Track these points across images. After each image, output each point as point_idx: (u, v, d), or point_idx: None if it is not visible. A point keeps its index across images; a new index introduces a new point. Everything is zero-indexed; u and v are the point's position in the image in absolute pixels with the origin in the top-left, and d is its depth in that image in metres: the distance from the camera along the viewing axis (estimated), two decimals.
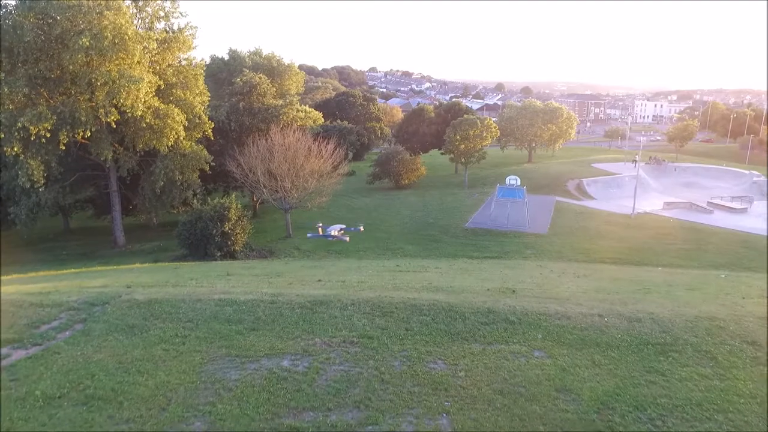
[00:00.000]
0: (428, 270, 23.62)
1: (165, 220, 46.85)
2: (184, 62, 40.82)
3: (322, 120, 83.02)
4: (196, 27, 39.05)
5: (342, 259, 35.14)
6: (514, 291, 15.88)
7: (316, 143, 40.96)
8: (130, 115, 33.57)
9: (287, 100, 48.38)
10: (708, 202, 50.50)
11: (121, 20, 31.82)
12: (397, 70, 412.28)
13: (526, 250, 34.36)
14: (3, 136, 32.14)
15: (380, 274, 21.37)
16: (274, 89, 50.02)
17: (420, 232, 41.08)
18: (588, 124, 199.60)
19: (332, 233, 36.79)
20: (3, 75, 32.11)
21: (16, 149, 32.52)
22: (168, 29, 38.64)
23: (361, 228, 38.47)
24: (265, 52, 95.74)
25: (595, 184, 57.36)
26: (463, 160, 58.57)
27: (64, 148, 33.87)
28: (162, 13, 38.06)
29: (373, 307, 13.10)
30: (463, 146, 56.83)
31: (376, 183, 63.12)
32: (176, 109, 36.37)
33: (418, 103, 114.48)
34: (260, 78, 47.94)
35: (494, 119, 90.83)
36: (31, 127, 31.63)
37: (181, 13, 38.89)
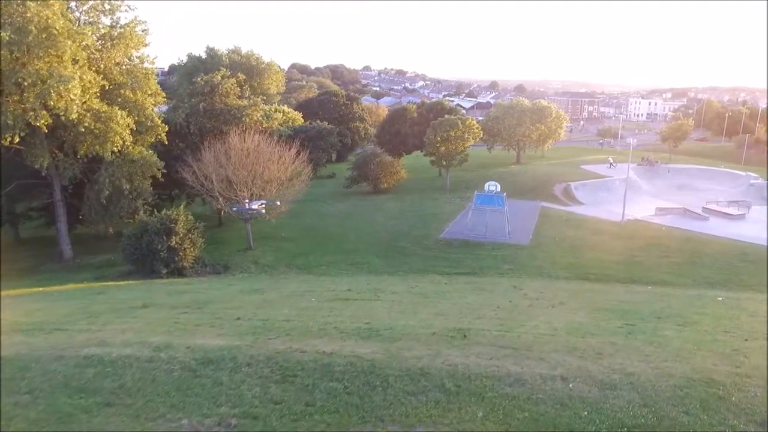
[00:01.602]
0: (380, 296, 20.38)
1: (122, 229, 43.66)
2: (136, 60, 37.36)
3: (302, 120, 79.91)
4: (145, 21, 35.71)
5: (300, 274, 31.95)
6: (465, 335, 12.66)
7: (280, 148, 37.67)
8: (63, 118, 30.25)
9: (251, 101, 44.99)
10: (703, 207, 47.39)
11: (48, 12, 28.42)
12: (391, 69, 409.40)
13: (503, 265, 31.15)
14: None
15: (320, 305, 18.14)
16: (239, 89, 46.56)
17: (391, 243, 37.83)
18: (581, 122, 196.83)
19: (253, 207, 34.17)
20: None
21: None
22: (114, 24, 35.28)
23: (278, 203, 35.88)
24: (244, 50, 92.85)
25: (583, 187, 54.18)
26: (444, 162, 55.29)
27: None
28: (106, 6, 34.71)
29: (273, 369, 9.98)
30: (443, 148, 53.56)
31: (353, 187, 59.83)
32: (120, 112, 33.01)
33: (409, 102, 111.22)
34: (222, 77, 44.54)
35: (482, 119, 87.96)
36: None
37: (128, 7, 35.57)
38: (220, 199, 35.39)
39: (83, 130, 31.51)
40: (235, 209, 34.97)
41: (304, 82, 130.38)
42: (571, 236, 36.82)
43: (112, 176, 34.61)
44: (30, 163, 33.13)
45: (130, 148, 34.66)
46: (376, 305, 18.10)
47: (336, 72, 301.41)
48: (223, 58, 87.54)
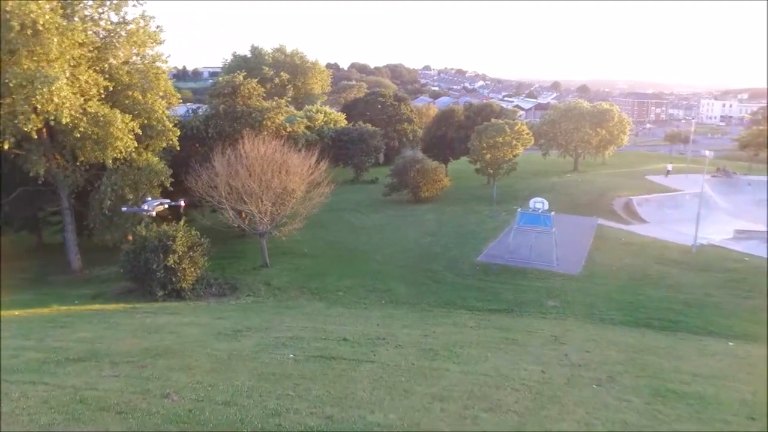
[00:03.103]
0: (377, 354, 16.06)
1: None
2: (148, 59, 34.37)
3: (345, 122, 76.37)
4: (153, 17, 32.65)
5: (311, 301, 28.08)
6: None
7: (298, 155, 33.93)
8: (53, 122, 27.50)
9: (275, 103, 41.42)
10: None
11: (32, 6, 25.58)
12: (451, 69, 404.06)
13: (547, 301, 26.25)
14: None
15: (290, 371, 14.05)
16: (263, 90, 43.07)
17: (421, 266, 33.43)
18: (647, 125, 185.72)
19: (145, 207, 29.95)
20: None
21: None
22: (121, 21, 32.39)
23: (182, 202, 31.71)
24: (290, 49, 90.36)
25: (647, 203, 47.91)
26: (490, 171, 50.20)
27: None
28: (113, 1, 31.82)
29: None
30: (489, 155, 48.51)
31: (392, 195, 55.50)
32: (122, 115, 30.03)
33: (466, 102, 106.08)
34: (244, 76, 41.20)
35: (538, 120, 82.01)
36: None
37: (137, 2, 32.60)
38: (230, 212, 31.88)
39: (78, 135, 28.67)
40: (124, 209, 31.16)
41: (354, 82, 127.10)
42: (632, 265, 31.35)
43: (115, 185, 31.78)
44: (26, 170, 30.64)
45: (134, 154, 31.66)
46: (362, 374, 13.83)
47: (395, 71, 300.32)
48: (267, 57, 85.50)
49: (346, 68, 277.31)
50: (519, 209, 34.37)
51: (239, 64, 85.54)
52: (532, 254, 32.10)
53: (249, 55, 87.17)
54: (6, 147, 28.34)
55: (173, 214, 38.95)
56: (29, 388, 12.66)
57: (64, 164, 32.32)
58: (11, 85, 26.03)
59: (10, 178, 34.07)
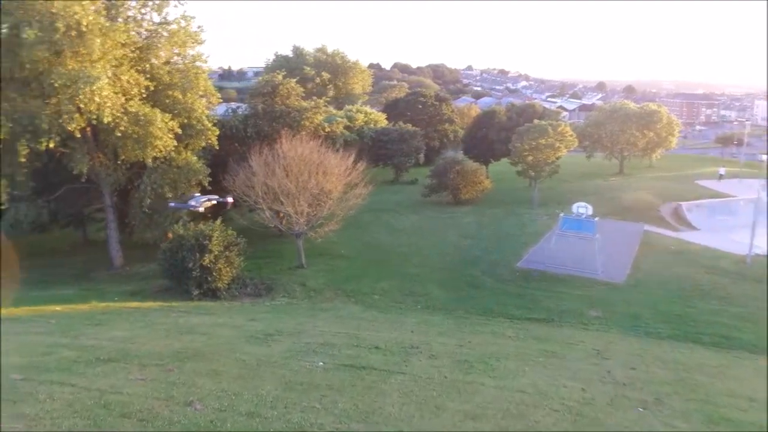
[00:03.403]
0: (409, 364, 15.48)
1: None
2: (188, 58, 34.65)
3: (385, 122, 75.92)
4: (194, 17, 32.90)
5: (346, 304, 27.71)
6: None
7: (336, 156, 33.61)
8: (95, 121, 27.93)
9: (314, 103, 41.24)
10: None
11: (76, 8, 25.95)
12: (494, 69, 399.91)
13: (589, 311, 25.18)
14: None
15: (318, 380, 13.63)
16: (302, 90, 42.95)
17: (460, 270, 32.68)
18: (698, 127, 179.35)
19: (192, 203, 29.14)
20: None
21: None
22: (163, 21, 32.72)
23: (229, 199, 30.67)
24: (331, 49, 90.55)
25: (698, 209, 45.80)
26: (532, 173, 48.88)
27: (24, 160, 28.66)
28: (156, 2, 32.15)
29: None
30: (531, 157, 47.24)
31: (431, 196, 54.76)
32: (162, 115, 30.29)
33: (508, 103, 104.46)
34: (283, 76, 41.15)
35: (582, 121, 79.87)
36: None
37: (178, 2, 32.90)
38: (267, 212, 31.79)
39: (119, 134, 29.04)
40: (171, 205, 30.94)
41: (395, 82, 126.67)
42: (680, 275, 29.86)
43: (154, 183, 32.10)
44: (70, 168, 31.21)
45: (174, 153, 31.90)
46: (393, 387, 13.27)
47: (437, 71, 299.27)
48: (308, 57, 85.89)
49: (388, 68, 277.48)
50: (561, 214, 33.24)
51: (281, 63, 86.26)
52: (574, 261, 30.97)
53: (291, 55, 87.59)
54: (51, 145, 28.85)
55: (212, 212, 39.36)
56: (56, 390, 12.58)
57: (107, 163, 32.82)
58: (56, 85, 26.48)
59: (56, 176, 34.78)
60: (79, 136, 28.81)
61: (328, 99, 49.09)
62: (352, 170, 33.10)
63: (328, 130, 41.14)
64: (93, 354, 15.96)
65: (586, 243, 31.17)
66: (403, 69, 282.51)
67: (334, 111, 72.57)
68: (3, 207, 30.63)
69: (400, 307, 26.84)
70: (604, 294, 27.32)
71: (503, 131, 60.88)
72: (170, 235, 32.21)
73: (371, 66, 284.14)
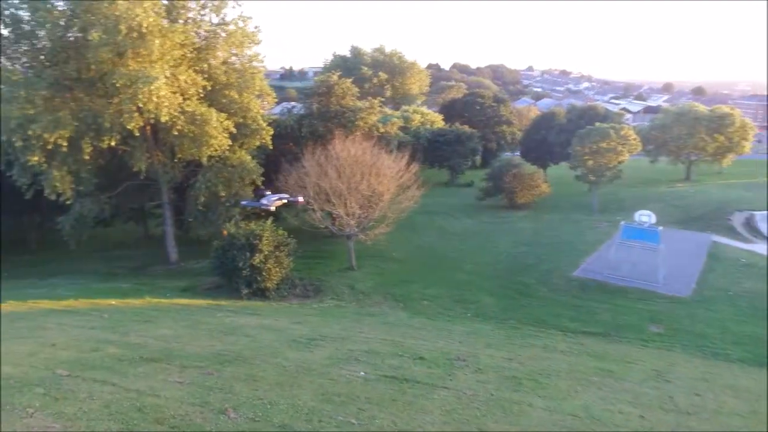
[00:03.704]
0: (454, 378, 14.81)
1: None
2: (245, 59, 35.00)
3: (442, 123, 75.06)
4: (250, 17, 33.16)
5: (393, 309, 27.20)
6: None
7: (389, 158, 33.16)
8: (153, 120, 28.53)
9: (368, 103, 40.93)
10: None
11: (138, 10, 26.51)
12: (555, 69, 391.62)
13: (649, 327, 23.72)
14: (21, 144, 28.45)
15: (356, 392, 13.16)
16: (357, 90, 42.68)
17: (513, 277, 31.62)
18: None
19: (264, 201, 28.89)
20: (23, 77, 28.53)
21: (36, 158, 28.75)
22: (222, 22, 33.16)
23: (300, 198, 30.29)
24: (389, 49, 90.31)
25: None
26: (592, 178, 46.98)
27: (88, 157, 29.62)
28: (214, 3, 32.61)
29: None
30: (591, 161, 45.40)
31: (487, 200, 53.62)
32: (217, 114, 30.66)
33: (569, 104, 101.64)
34: (336, 77, 41.01)
35: (646, 123, 76.46)
36: (45, 135, 27.57)
37: (236, 3, 33.27)
38: (318, 212, 31.65)
39: (175, 133, 29.58)
40: (243, 203, 30.79)
41: (453, 82, 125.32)
42: (753, 291, 27.79)
43: (209, 182, 32.57)
44: (130, 165, 32.06)
45: (227, 152, 32.26)
46: (435, 404, 12.65)
47: (496, 72, 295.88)
48: (366, 57, 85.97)
49: (447, 69, 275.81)
50: (622, 222, 31.61)
51: (339, 63, 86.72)
52: (635, 272, 29.40)
53: (349, 55, 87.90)
54: (113, 144, 29.67)
55: (266, 212, 39.71)
56: (97, 389, 12.61)
57: (165, 161, 33.52)
58: (118, 85, 27.18)
59: (119, 173, 35.80)
60: (138, 134, 29.49)
61: (382, 99, 48.37)
62: (404, 172, 32.54)
63: (382, 130, 40.73)
64: (138, 352, 16.07)
65: (648, 253, 29.52)
66: (462, 69, 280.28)
67: (390, 111, 72.35)
68: (68, 202, 31.68)
69: (448, 315, 26.12)
70: (666, 308, 25.73)
71: (563, 134, 59.05)
72: (225, 232, 32.66)
73: (430, 66, 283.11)
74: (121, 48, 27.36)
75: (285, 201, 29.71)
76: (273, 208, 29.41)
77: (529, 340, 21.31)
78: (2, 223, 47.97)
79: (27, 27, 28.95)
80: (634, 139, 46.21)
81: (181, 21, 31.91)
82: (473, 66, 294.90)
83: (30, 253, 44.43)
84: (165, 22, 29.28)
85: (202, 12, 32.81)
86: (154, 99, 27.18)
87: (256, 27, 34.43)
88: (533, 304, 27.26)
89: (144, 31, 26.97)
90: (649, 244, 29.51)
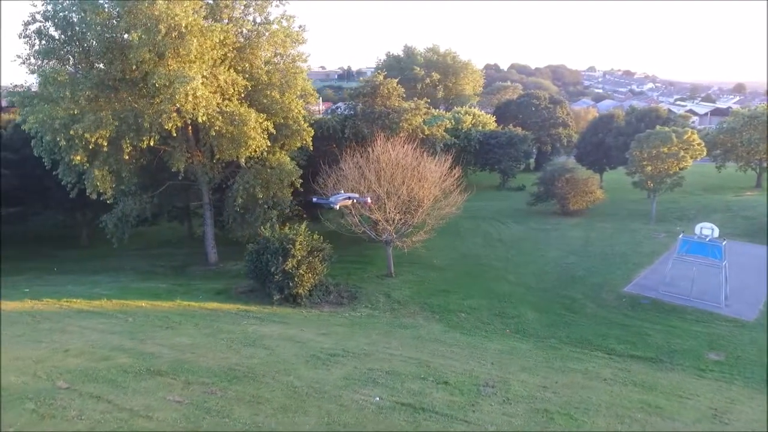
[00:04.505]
0: (479, 407, 13.45)
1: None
2: (288, 58, 34.39)
3: (494, 125, 72.85)
4: (294, 17, 32.47)
5: (428, 321, 25.88)
6: None
7: (431, 162, 31.82)
8: (191, 121, 28.24)
9: (414, 104, 39.61)
10: None
11: (177, 9, 26.18)
12: (618, 70, 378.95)
13: (707, 353, 21.50)
14: (65, 143, 28.73)
15: (369, 418, 12.01)
16: (403, 90, 41.45)
17: (558, 291, 29.71)
18: None
19: (331, 200, 27.80)
20: (68, 78, 28.76)
21: (79, 158, 29.00)
22: (265, 21, 32.65)
23: (368, 199, 28.94)
24: (443, 49, 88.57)
25: None
26: (650, 184, 44.05)
27: (128, 157, 29.67)
28: (258, 2, 32.13)
29: None
30: (650, 168, 42.52)
31: (538, 205, 51.40)
32: (256, 115, 30.11)
33: (630, 106, 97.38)
34: (382, 77, 39.90)
35: (713, 127, 71.92)
36: (87, 135, 27.68)
37: (279, 3, 32.70)
38: (356, 217, 30.66)
39: (213, 134, 29.20)
40: (314, 200, 29.89)
41: (509, 83, 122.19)
42: None
43: (247, 183, 32.08)
44: (170, 165, 31.98)
45: (266, 153, 31.70)
46: None
47: (556, 72, 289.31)
48: (419, 57, 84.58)
49: (505, 69, 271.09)
50: (681, 235, 29.13)
51: (392, 63, 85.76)
52: (693, 289, 27.00)
53: (402, 55, 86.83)
54: (152, 143, 29.59)
55: (309, 213, 39.04)
56: (90, 406, 11.97)
57: (204, 161, 33.30)
58: (157, 85, 26.98)
59: (160, 173, 35.91)
60: (175, 134, 29.29)
61: (428, 100, 46.76)
62: (446, 176, 31.12)
63: (427, 132, 39.35)
64: (147, 363, 15.46)
65: (709, 270, 27.05)
66: (521, 70, 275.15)
67: (439, 112, 70.76)
68: (109, 201, 31.87)
69: (486, 330, 24.58)
70: (728, 333, 23.35)
71: (621, 137, 56.05)
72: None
73: (488, 67, 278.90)
74: (161, 48, 27.14)
75: (354, 201, 28.92)
76: (337, 207, 28.65)
77: (570, 363, 19.61)
78: (50, 219, 49.56)
79: (77, 28, 29.19)
80: (699, 144, 43.02)
81: (225, 20, 31.60)
82: (533, 66, 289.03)
83: (81, 248, 45.36)
84: (207, 22, 28.87)
85: (245, 11, 32.39)
86: (191, 99, 26.81)
87: (300, 26, 33.79)
88: (579, 322, 25.35)
89: (183, 30, 26.64)
90: (712, 261, 27.03)
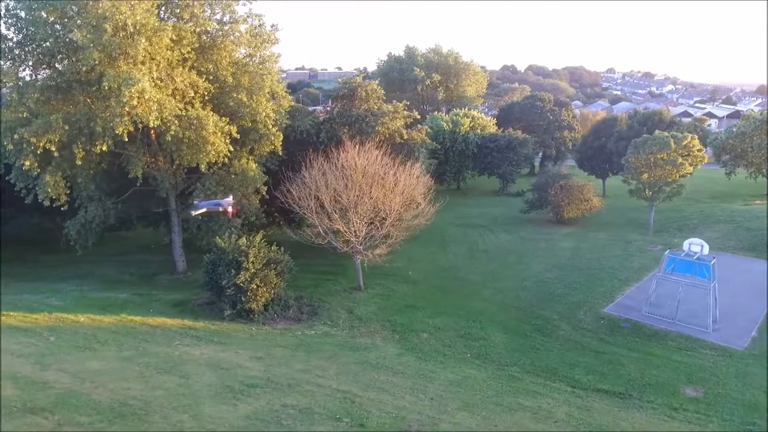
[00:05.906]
0: None
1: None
2: (257, 60, 32.63)
3: (494, 127, 70.53)
4: (262, 15, 30.75)
5: (387, 342, 23.95)
6: None
7: (408, 168, 29.90)
8: (142, 125, 26.60)
9: (393, 107, 37.52)
10: None
11: (123, 8, 24.57)
12: (638, 71, 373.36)
13: (685, 388, 19.24)
14: (13, 147, 27.33)
15: None
16: (383, 93, 39.44)
17: (532, 310, 27.54)
18: None
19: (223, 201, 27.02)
20: (16, 80, 27.38)
21: (29, 163, 27.53)
22: (230, 20, 30.93)
23: (229, 207, 27.32)
24: (445, 50, 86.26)
25: None
26: (648, 192, 41.51)
27: (80, 162, 28.11)
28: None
29: None
30: (646, 175, 40.02)
31: (532, 212, 49.10)
32: (216, 118, 28.40)
33: (645, 108, 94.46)
34: (360, 78, 37.98)
35: (722, 131, 68.92)
36: (33, 139, 26.22)
37: (246, 1, 31.02)
38: (320, 227, 28.79)
39: (170, 138, 27.55)
40: (196, 202, 28.30)
41: (516, 84, 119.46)
42: None
43: (208, 190, 30.38)
44: (127, 171, 30.41)
45: (230, 158, 30.00)
46: None
47: (574, 74, 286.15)
48: (420, 58, 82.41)
49: (522, 70, 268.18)
50: (667, 252, 26.78)
51: (392, 65, 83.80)
52: (679, 311, 24.71)
53: (403, 56, 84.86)
54: (104, 148, 28.00)
55: (284, 219, 37.24)
56: None
57: (167, 167, 31.71)
58: (107, 87, 25.42)
59: (124, 179, 34.38)
60: (127, 139, 27.64)
61: (422, 104, 44.53)
62: (416, 185, 29.14)
63: (406, 137, 37.31)
64: (30, 397, 13.78)
65: (696, 291, 24.74)
66: (538, 71, 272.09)
67: (440, 114, 68.64)
68: (64, 207, 30.32)
69: (444, 354, 22.56)
70: (711, 364, 21.03)
71: (622, 141, 53.43)
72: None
73: (505, 68, 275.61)
74: (109, 48, 25.52)
75: (206, 210, 27.55)
76: (194, 213, 27.78)
77: (523, 398, 17.54)
78: (27, 223, 48.21)
79: (32, 27, 27.77)
80: (699, 150, 40.38)
81: (186, 17, 29.86)
82: (550, 68, 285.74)
83: (60, 253, 44.08)
84: (155, 21, 27.13)
85: (210, 9, 30.66)
86: (140, 102, 25.18)
87: (272, 26, 32.10)
88: (548, 347, 23.19)
89: (132, 30, 25.02)
90: (699, 281, 24.71)
